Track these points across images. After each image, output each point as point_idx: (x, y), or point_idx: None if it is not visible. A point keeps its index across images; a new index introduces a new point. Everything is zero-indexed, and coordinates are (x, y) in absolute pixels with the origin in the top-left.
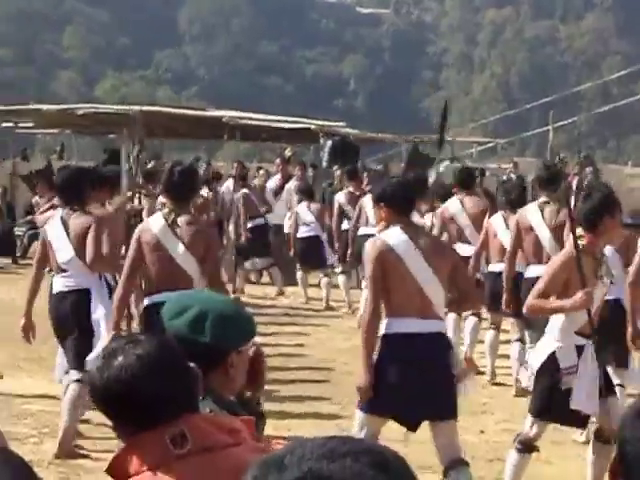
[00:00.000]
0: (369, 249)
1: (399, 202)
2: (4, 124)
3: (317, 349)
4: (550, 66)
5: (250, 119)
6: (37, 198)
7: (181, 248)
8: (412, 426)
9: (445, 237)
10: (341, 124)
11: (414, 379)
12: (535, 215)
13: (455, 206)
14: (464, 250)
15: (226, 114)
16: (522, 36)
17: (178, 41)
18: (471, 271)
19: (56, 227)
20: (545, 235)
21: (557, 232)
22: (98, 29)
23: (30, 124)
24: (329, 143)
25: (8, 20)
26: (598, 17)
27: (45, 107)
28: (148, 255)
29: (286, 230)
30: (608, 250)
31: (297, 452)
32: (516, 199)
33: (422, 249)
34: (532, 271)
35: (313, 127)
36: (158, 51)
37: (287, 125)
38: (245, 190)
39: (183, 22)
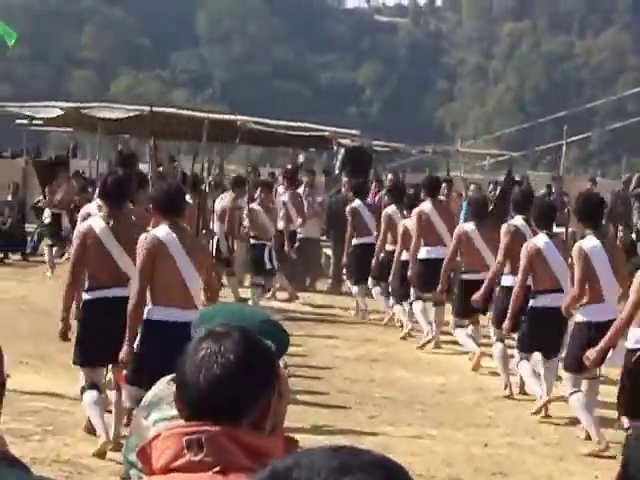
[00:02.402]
0: (142, 242)
1: (164, 206)
2: (18, 121)
3: (322, 356)
4: (565, 81)
5: (263, 124)
6: (51, 187)
7: (118, 249)
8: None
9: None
10: (355, 132)
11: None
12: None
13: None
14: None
15: (239, 118)
16: (539, 50)
17: (195, 43)
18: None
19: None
20: None
21: None
22: (115, 28)
23: (43, 121)
24: (342, 150)
25: (25, 18)
26: (615, 33)
27: (59, 105)
28: (91, 253)
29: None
30: None
31: (305, 465)
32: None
33: (186, 246)
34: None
35: (327, 134)
36: (175, 52)
37: (300, 131)
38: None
39: (201, 24)
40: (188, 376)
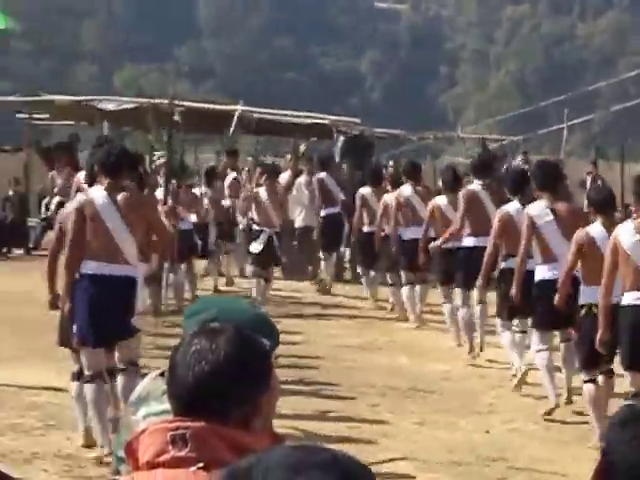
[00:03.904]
0: (74, 203)
1: (104, 168)
2: (18, 115)
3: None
4: (567, 63)
5: (264, 113)
6: (53, 173)
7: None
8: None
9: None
10: (356, 120)
11: (102, 310)
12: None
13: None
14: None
15: (240, 108)
16: (539, 33)
17: (196, 35)
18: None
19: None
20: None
21: None
22: (117, 22)
23: (45, 115)
24: (342, 139)
25: (28, 13)
26: (616, 15)
27: (58, 98)
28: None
29: (297, 225)
30: None
31: (263, 463)
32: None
33: (118, 205)
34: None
35: (328, 122)
36: (176, 45)
37: (302, 120)
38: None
39: (201, 16)
40: (178, 371)
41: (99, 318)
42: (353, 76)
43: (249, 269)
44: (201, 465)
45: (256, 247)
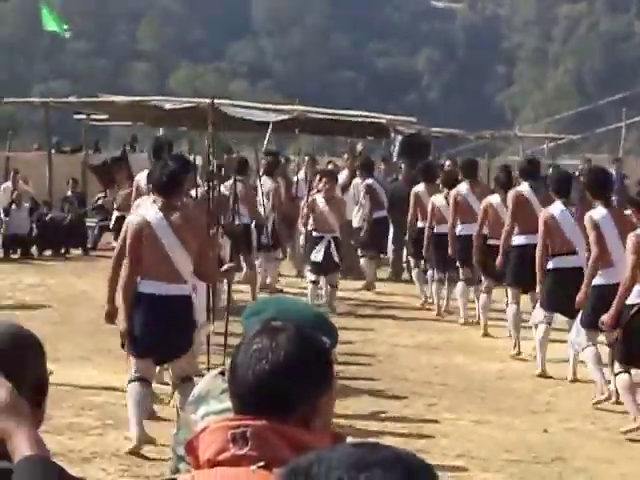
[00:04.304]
0: (128, 222)
1: (156, 186)
2: (76, 116)
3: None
4: (625, 62)
5: (320, 113)
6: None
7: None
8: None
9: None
10: (412, 119)
11: (159, 329)
12: None
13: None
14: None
15: (297, 108)
16: (597, 31)
17: (253, 34)
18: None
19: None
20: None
21: None
22: (172, 21)
23: (103, 116)
24: (399, 138)
25: (83, 12)
26: None
27: (118, 99)
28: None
29: (355, 224)
30: None
31: (325, 461)
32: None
33: (173, 224)
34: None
35: (384, 121)
36: (232, 44)
37: (358, 119)
38: (369, 181)
39: (258, 15)
40: (239, 370)
41: (156, 338)
42: (410, 75)
43: (308, 275)
44: (262, 464)
45: (316, 255)
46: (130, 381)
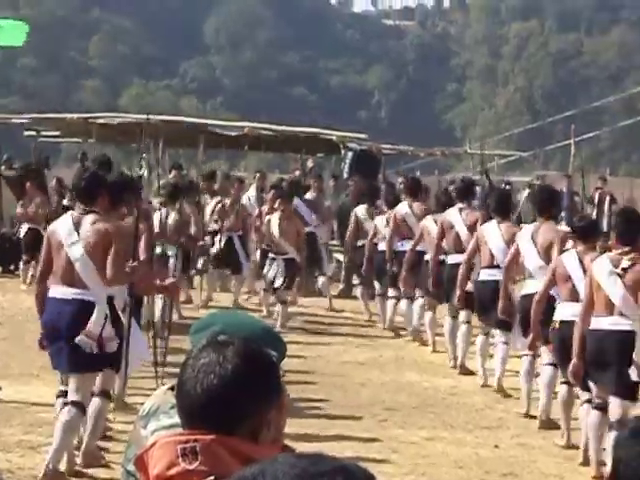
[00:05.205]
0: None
1: (76, 190)
2: (27, 132)
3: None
4: (574, 80)
5: (271, 130)
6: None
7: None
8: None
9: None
10: (362, 135)
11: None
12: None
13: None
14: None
15: (247, 125)
16: (547, 49)
17: (204, 51)
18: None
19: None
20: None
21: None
22: (124, 38)
23: (53, 133)
24: (350, 154)
25: (33, 28)
26: (623, 31)
27: (68, 116)
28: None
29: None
30: None
31: (269, 472)
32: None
33: (82, 234)
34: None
35: (335, 138)
36: (184, 61)
37: (309, 136)
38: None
39: (209, 32)
40: (186, 385)
41: (56, 342)
42: (360, 92)
43: (262, 294)
44: (212, 478)
45: (270, 273)
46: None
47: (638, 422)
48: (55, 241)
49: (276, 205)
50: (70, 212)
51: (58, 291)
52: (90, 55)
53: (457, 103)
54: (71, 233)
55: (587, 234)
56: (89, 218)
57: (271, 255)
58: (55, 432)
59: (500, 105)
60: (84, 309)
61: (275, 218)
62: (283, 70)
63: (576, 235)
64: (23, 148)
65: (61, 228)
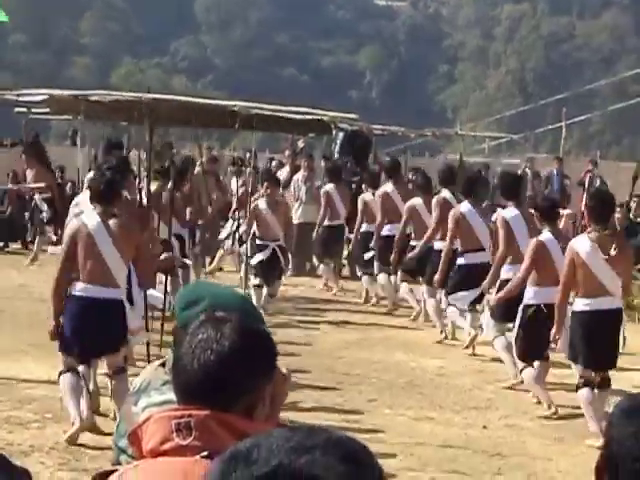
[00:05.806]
0: (69, 228)
1: (97, 195)
2: (17, 109)
3: (324, 340)
4: (566, 62)
5: (262, 109)
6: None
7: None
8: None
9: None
10: (353, 116)
11: (87, 331)
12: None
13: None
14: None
15: (238, 104)
16: (538, 32)
17: (195, 30)
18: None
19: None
20: None
21: None
22: (115, 16)
23: (43, 110)
24: (341, 135)
25: (24, 5)
26: (615, 15)
27: (57, 92)
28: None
29: (295, 221)
30: None
31: (264, 446)
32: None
33: (111, 233)
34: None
35: (326, 118)
36: (175, 39)
37: (299, 116)
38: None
39: (200, 11)
40: (183, 360)
41: (83, 339)
42: (352, 72)
43: (252, 279)
44: (205, 454)
45: (257, 258)
46: (61, 373)
47: (631, 401)
48: (84, 239)
49: (263, 190)
50: (96, 211)
51: (90, 290)
52: (81, 32)
53: (449, 84)
54: (103, 233)
55: (550, 213)
56: (114, 219)
57: (260, 242)
58: (116, 400)
59: (492, 87)
60: (116, 308)
61: (263, 203)
62: (274, 50)
63: (540, 215)
64: (13, 125)
65: (91, 227)
